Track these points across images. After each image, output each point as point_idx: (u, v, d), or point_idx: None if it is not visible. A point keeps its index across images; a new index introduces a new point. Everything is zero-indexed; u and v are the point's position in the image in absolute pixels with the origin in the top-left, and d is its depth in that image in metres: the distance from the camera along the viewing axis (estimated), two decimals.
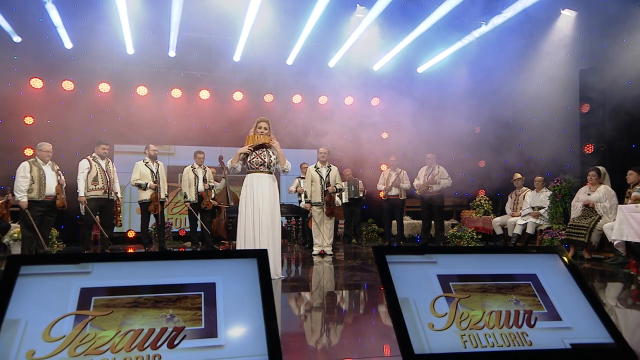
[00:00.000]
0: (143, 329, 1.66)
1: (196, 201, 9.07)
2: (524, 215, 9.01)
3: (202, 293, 1.84)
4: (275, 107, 12.42)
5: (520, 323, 2.03)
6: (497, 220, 9.69)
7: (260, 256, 2.01)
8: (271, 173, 5.60)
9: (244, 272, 1.95)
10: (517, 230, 8.97)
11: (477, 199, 10.91)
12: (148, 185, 8.54)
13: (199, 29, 10.76)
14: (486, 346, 1.93)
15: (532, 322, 2.04)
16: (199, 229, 9.23)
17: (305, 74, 12.05)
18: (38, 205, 7.38)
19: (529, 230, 8.78)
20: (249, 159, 5.55)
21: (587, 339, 2.01)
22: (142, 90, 11.64)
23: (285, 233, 10.60)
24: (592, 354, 1.96)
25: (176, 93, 11.86)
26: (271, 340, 1.76)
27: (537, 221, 8.75)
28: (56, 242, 9.21)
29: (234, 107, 12.16)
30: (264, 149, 5.60)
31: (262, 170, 5.54)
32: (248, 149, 5.56)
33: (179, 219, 11.68)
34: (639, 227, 5.90)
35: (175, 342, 1.66)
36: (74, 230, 10.41)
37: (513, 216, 9.38)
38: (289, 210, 10.02)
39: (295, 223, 10.25)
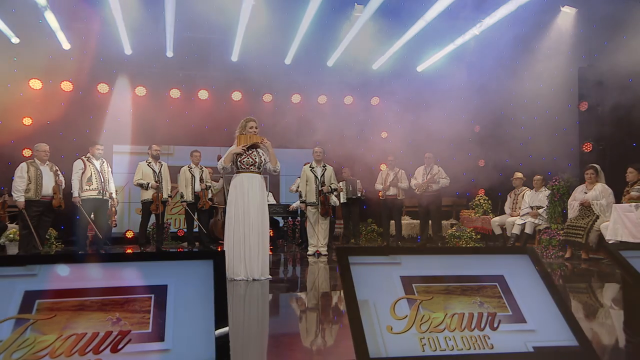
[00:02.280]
0: (86, 333, 1.63)
1: (193, 201, 9.06)
2: (523, 215, 8.92)
3: (153, 295, 1.80)
4: (274, 106, 12.40)
5: (482, 326, 1.98)
6: (496, 220, 9.62)
7: (217, 257, 1.98)
8: (260, 173, 5.59)
9: (198, 274, 1.91)
10: (516, 230, 8.88)
11: (476, 199, 10.83)
12: (150, 185, 8.56)
13: (196, 28, 10.72)
14: (445, 349, 1.89)
15: (495, 325, 1.99)
16: (196, 229, 9.21)
17: (304, 74, 11.99)
18: (35, 205, 7.43)
19: (528, 230, 8.70)
20: (239, 159, 5.53)
21: (550, 341, 1.96)
22: (140, 91, 11.65)
23: (282, 233, 10.57)
24: (554, 357, 1.91)
25: (175, 93, 11.87)
26: (220, 345, 1.72)
27: (536, 221, 8.66)
28: (55, 242, 9.23)
29: (232, 107, 12.14)
30: (254, 149, 5.59)
31: (252, 170, 5.53)
32: (242, 149, 5.54)
33: (178, 219, 11.67)
34: (633, 227, 5.83)
35: (119, 347, 1.63)
36: (74, 230, 10.40)
37: (512, 216, 9.30)
38: (284, 211, 9.97)
39: (293, 223, 10.20)
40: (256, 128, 5.63)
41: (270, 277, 5.43)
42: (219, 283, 1.91)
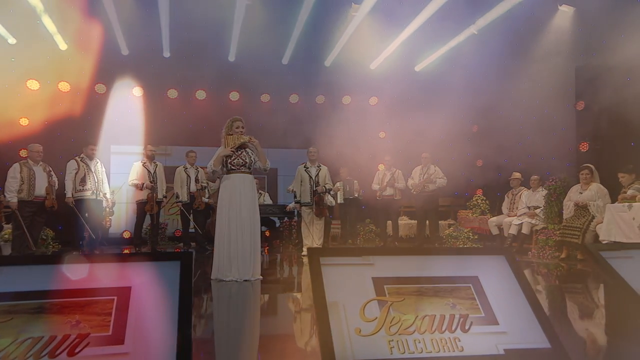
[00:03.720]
0: (43, 337, 1.60)
1: (188, 201, 9.06)
2: (520, 215, 8.87)
3: (115, 298, 1.78)
4: (272, 106, 12.38)
5: (453, 328, 1.96)
6: (494, 220, 9.56)
7: (184, 259, 1.95)
8: (251, 173, 5.57)
9: (164, 276, 1.89)
10: (513, 231, 8.83)
11: (474, 199, 10.78)
12: (144, 186, 8.53)
13: (193, 28, 10.67)
14: (414, 352, 1.86)
15: (467, 327, 1.96)
16: (192, 230, 9.20)
17: (301, 74, 11.98)
18: (28, 205, 7.43)
19: (525, 230, 8.65)
20: (229, 160, 5.50)
21: (522, 343, 1.93)
22: (138, 91, 11.64)
23: (279, 233, 10.53)
24: (524, 358, 1.88)
25: (172, 93, 11.87)
26: (182, 348, 1.69)
27: (533, 221, 8.61)
28: (52, 242, 9.23)
29: (231, 107, 12.09)
30: (243, 149, 5.56)
31: (243, 170, 5.50)
32: (231, 151, 5.52)
33: (176, 219, 11.62)
34: (627, 227, 5.78)
35: (77, 350, 1.60)
36: (71, 231, 10.40)
37: (509, 216, 9.24)
38: (280, 211, 9.92)
39: (290, 223, 10.17)
40: (243, 128, 5.59)
41: (261, 277, 5.40)
42: (185, 285, 1.88)
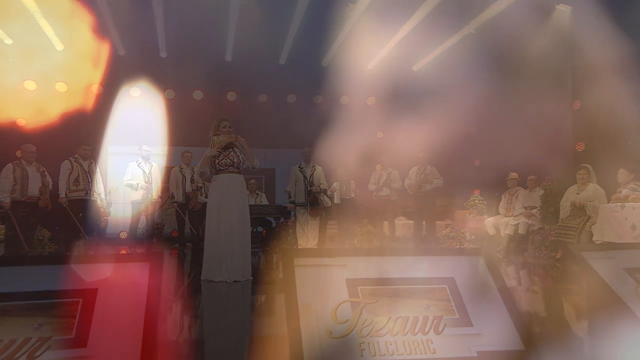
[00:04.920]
0: (2, 340, 1.58)
1: (183, 202, 9.04)
2: (517, 215, 8.83)
3: (81, 300, 1.75)
4: (270, 106, 12.37)
5: (427, 330, 1.93)
6: (490, 220, 9.51)
7: (154, 260, 1.93)
8: (240, 173, 5.54)
9: (132, 278, 1.87)
10: (509, 231, 8.78)
11: (471, 199, 10.74)
12: (139, 186, 8.52)
13: (190, 28, 10.64)
14: (385, 354, 1.83)
15: (440, 329, 1.93)
16: (187, 230, 9.19)
17: (299, 74, 11.95)
18: (21, 206, 7.43)
19: (521, 230, 8.61)
20: (216, 161, 5.49)
21: (495, 345, 1.90)
22: (135, 92, 11.63)
23: (275, 234, 10.48)
24: None
25: (169, 94, 11.86)
26: (146, 351, 1.67)
27: (530, 221, 8.57)
28: (48, 243, 9.20)
29: (228, 107, 12.09)
30: (230, 149, 5.54)
31: (231, 170, 5.48)
32: (217, 151, 5.50)
33: (174, 219, 11.58)
34: (619, 227, 5.74)
35: (37, 354, 1.58)
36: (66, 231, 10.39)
37: (506, 216, 9.20)
38: (276, 211, 9.88)
39: (286, 223, 10.12)
40: (230, 127, 5.57)
41: (251, 278, 5.37)
42: (153, 287, 1.86)
